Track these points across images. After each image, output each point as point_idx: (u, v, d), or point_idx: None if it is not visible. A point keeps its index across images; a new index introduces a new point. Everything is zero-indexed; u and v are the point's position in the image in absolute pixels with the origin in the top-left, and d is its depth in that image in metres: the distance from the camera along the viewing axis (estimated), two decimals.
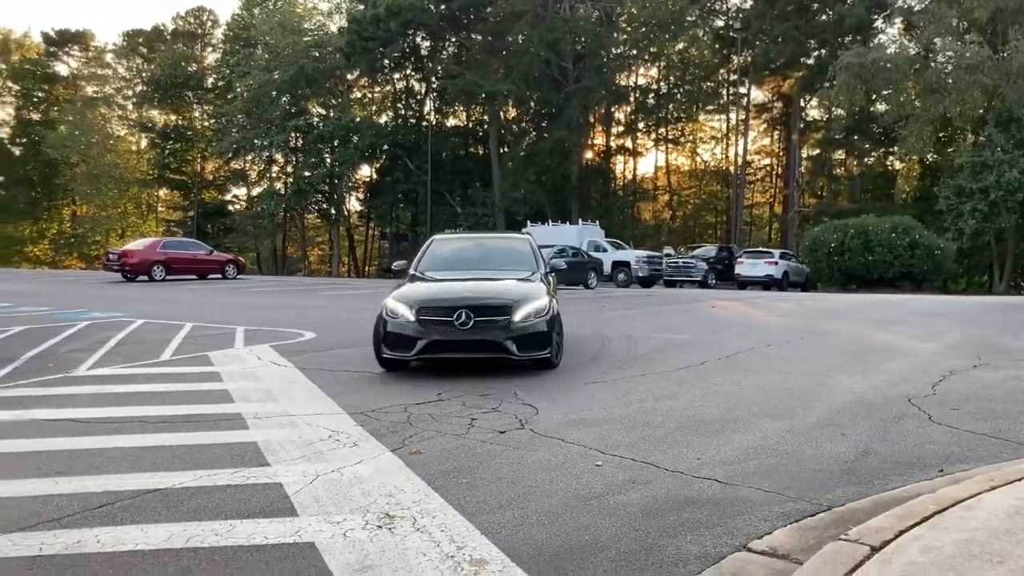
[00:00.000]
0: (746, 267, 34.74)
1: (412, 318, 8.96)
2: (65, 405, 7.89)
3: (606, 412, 7.45)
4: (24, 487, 5.30)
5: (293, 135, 58.48)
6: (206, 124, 69.42)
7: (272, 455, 6.01)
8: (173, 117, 70.28)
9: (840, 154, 58.98)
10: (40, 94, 69.48)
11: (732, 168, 60.08)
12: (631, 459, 5.78)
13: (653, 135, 65.45)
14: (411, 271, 10.80)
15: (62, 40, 70.61)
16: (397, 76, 62.07)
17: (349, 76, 61.17)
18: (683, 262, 35.62)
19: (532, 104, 57.90)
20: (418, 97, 63.46)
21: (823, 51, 52.31)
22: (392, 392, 8.40)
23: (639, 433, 6.59)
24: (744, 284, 34.27)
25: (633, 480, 5.32)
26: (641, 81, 63.17)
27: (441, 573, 3.87)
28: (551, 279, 10.85)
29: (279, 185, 62.76)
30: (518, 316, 8.99)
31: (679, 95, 62.14)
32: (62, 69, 71.82)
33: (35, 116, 69.09)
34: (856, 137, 53.79)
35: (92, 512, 4.79)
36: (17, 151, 68.61)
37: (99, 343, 12.12)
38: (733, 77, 59.07)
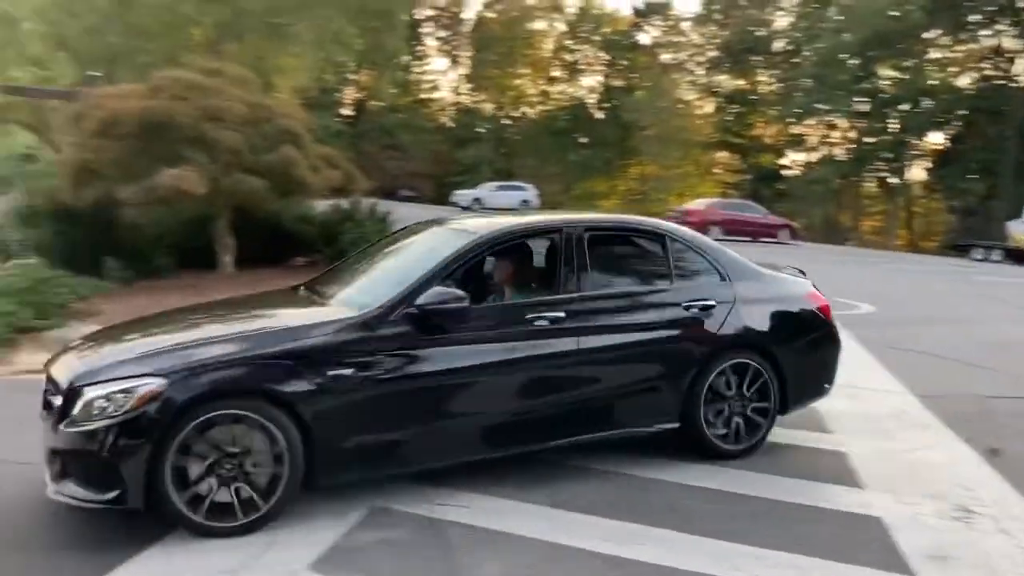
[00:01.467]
0: None
1: None
2: None
3: None
4: None
5: (857, 99, 56.14)
6: (770, 88, 70.08)
7: (834, 423, 6.00)
8: (739, 82, 72.35)
9: None
10: (624, 63, 76.63)
11: None
12: None
13: None
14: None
15: (647, 12, 76.70)
16: (986, 33, 55.56)
17: (926, 35, 56.47)
18: None
19: None
20: (1008, 56, 56.08)
21: None
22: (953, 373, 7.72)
23: None
24: None
25: None
26: None
27: None
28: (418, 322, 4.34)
29: (837, 151, 60.98)
30: (81, 403, 3.86)
31: None
32: (643, 39, 78.06)
33: (618, 83, 76.41)
34: None
35: None
36: (600, 115, 76.81)
37: None
38: None
